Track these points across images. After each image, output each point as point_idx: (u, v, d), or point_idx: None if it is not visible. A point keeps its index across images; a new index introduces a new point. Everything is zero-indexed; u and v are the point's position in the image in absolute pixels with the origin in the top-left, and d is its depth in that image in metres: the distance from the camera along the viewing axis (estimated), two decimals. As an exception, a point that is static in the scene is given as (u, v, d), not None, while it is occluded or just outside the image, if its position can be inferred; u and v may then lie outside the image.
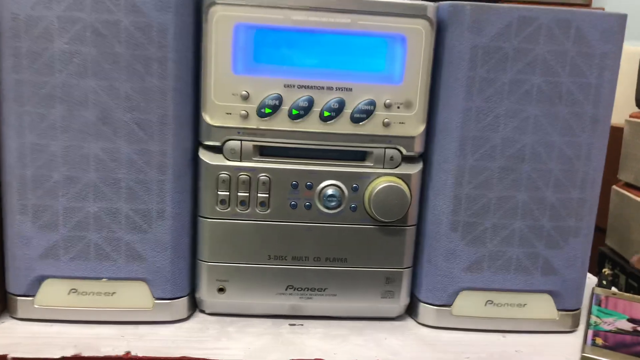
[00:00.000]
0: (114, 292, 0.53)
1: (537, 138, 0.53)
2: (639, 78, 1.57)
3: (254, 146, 0.53)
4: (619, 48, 0.53)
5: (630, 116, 1.61)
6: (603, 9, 1.80)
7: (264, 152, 0.53)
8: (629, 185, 1.64)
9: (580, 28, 0.51)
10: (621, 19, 0.52)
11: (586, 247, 0.56)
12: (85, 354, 0.48)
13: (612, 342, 0.54)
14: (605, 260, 1.60)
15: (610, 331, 0.56)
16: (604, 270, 1.66)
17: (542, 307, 0.57)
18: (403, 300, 0.57)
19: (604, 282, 0.75)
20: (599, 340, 0.54)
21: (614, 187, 1.70)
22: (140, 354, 0.49)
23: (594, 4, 1.89)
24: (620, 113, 1.92)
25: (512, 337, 0.57)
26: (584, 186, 0.54)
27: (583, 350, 0.52)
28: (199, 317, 0.57)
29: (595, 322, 0.57)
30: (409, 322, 0.58)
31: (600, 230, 1.87)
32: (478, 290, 0.56)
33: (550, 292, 0.56)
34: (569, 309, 0.57)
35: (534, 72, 0.52)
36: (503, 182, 0.54)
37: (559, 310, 0.57)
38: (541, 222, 0.55)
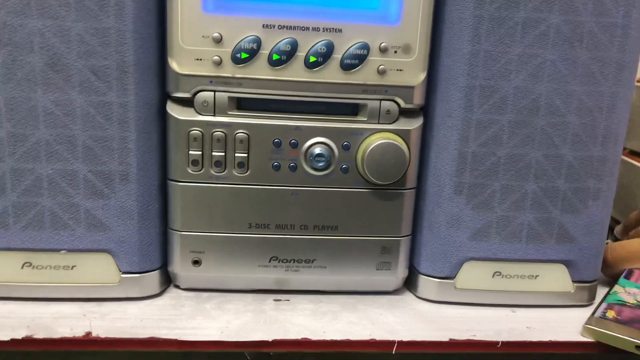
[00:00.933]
0: (74, 266, 0.47)
1: (554, 87, 0.46)
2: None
3: (230, 98, 0.46)
4: (649, -18, 0.46)
5: (638, 81, 1.54)
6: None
7: (241, 104, 0.46)
8: (634, 154, 1.58)
9: (606, -43, 0.44)
10: (653, -53, 0.45)
11: (607, 211, 0.50)
12: (39, 335, 0.42)
13: (627, 316, 0.48)
14: (609, 231, 1.55)
15: (628, 304, 0.50)
16: (607, 241, 1.61)
17: (556, 278, 0.51)
18: (401, 272, 0.51)
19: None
20: (611, 313, 0.48)
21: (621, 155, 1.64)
22: (102, 335, 0.43)
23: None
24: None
25: (523, 312, 0.51)
26: (605, 142, 0.48)
27: (587, 321, 0.47)
28: (173, 292, 0.51)
29: (616, 291, 0.51)
30: (408, 297, 0.52)
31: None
32: (485, 260, 0.50)
33: (565, 262, 0.50)
34: (585, 281, 0.51)
35: (551, 9, 0.45)
36: (514, 138, 0.47)
37: (574, 282, 0.51)
38: (557, 184, 0.48)
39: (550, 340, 0.46)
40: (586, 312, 0.51)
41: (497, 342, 0.45)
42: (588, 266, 0.51)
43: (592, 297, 0.52)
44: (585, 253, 0.50)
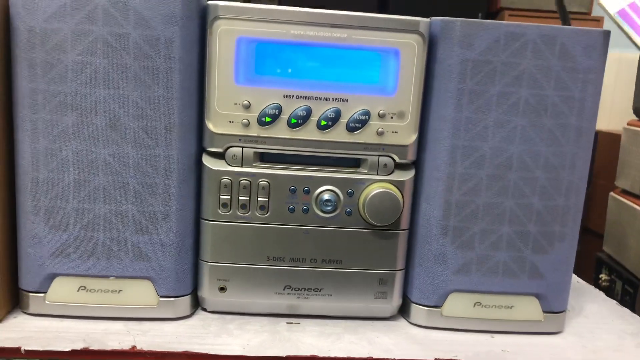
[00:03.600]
0: (120, 290, 0.56)
1: (524, 148, 0.56)
2: (636, 86, 1.59)
3: (255, 153, 0.55)
4: (602, 63, 0.55)
5: (628, 124, 1.63)
6: (602, 18, 1.82)
7: (264, 158, 0.56)
8: (626, 192, 1.66)
9: (564, 44, 0.54)
10: (604, 35, 0.55)
11: (571, 251, 0.59)
12: (94, 347, 0.51)
13: None
14: (602, 266, 1.62)
15: None
16: (600, 275, 1.69)
17: (529, 308, 0.59)
18: (396, 301, 0.60)
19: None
20: None
21: (612, 193, 1.73)
22: (145, 349, 0.52)
23: (594, 13, 1.92)
24: (620, 120, 1.95)
25: (500, 337, 0.59)
26: (568, 194, 0.57)
27: None
28: (201, 314, 0.59)
29: None
30: (402, 322, 0.61)
31: (597, 236, 1.89)
32: (467, 292, 0.58)
33: (536, 295, 0.59)
34: (554, 311, 0.60)
35: (520, 85, 0.54)
36: (491, 189, 0.56)
37: (544, 312, 0.59)
38: (527, 228, 0.57)
39: (520, 361, 0.54)
40: (556, 339, 0.60)
41: (476, 362, 0.54)
42: (556, 298, 0.59)
43: (560, 326, 0.61)
44: (553, 287, 0.59)
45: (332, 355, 0.53)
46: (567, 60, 0.54)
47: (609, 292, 1.58)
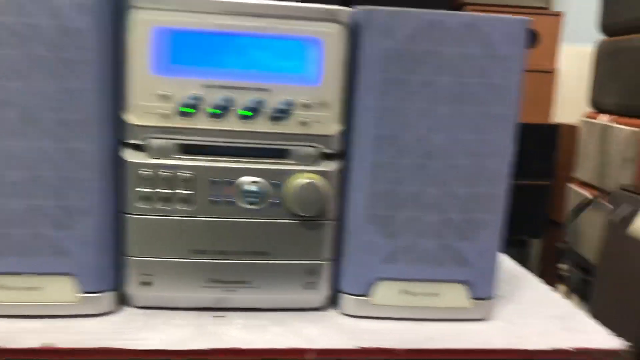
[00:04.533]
0: (38, 287, 0.54)
1: (447, 136, 0.56)
2: (593, 79, 1.62)
3: (176, 144, 0.54)
4: (522, 51, 0.56)
5: (586, 116, 1.66)
6: (561, 12, 1.85)
7: (185, 150, 0.55)
8: (584, 184, 1.70)
9: (485, 32, 0.54)
10: (523, 23, 0.55)
11: (496, 238, 0.59)
12: (6, 346, 0.50)
13: None
14: (562, 255, 1.65)
15: None
16: (560, 265, 1.72)
17: (455, 296, 0.60)
18: (324, 291, 0.60)
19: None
20: None
21: (571, 185, 1.76)
22: (62, 346, 0.51)
23: (555, 7, 1.94)
24: (580, 114, 1.98)
25: (428, 325, 0.59)
26: (492, 181, 0.57)
27: None
28: (127, 310, 0.58)
29: None
30: (332, 313, 0.61)
31: (557, 225, 1.92)
32: (394, 280, 0.59)
33: (462, 282, 0.59)
34: (481, 297, 0.60)
35: (443, 73, 0.55)
36: (416, 178, 0.56)
37: (471, 298, 0.60)
38: (452, 216, 0.57)
39: (445, 348, 0.55)
40: (482, 326, 0.60)
41: (402, 350, 0.54)
42: (482, 285, 0.60)
43: (487, 312, 0.61)
44: (479, 274, 0.59)
45: (255, 347, 0.53)
46: (487, 48, 0.55)
47: (568, 281, 1.61)
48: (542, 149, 1.85)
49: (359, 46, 0.55)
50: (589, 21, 1.66)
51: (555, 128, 1.86)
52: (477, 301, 0.60)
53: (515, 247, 1.91)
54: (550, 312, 0.65)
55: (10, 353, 0.49)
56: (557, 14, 1.84)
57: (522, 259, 1.94)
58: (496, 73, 0.55)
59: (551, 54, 1.85)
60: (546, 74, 1.83)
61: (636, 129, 1.29)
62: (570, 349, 0.56)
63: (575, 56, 2.11)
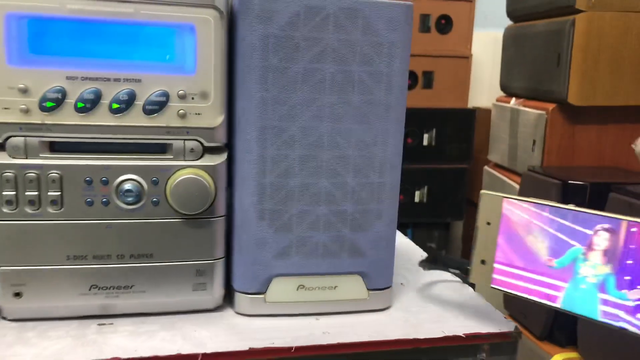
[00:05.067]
0: None
1: (334, 126, 0.54)
2: (502, 64, 1.67)
3: (41, 142, 0.50)
4: (407, 37, 0.55)
5: (497, 100, 1.71)
6: (473, -2, 1.89)
7: (54, 147, 0.51)
8: (497, 166, 1.75)
9: (367, 17, 0.53)
10: (407, 8, 0.54)
11: (390, 227, 0.58)
12: None
13: None
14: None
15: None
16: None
17: (353, 288, 0.59)
18: (217, 291, 0.57)
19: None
20: None
21: (486, 167, 1.81)
22: None
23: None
24: (490, 97, 2.04)
25: (325, 319, 0.58)
26: (382, 170, 0.57)
27: None
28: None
29: None
30: (227, 313, 0.58)
31: (476, 207, 1.98)
32: (289, 275, 0.57)
33: (359, 273, 0.58)
34: (378, 288, 0.60)
35: (325, 60, 0.53)
36: (304, 169, 0.55)
37: (369, 289, 0.59)
38: (344, 207, 0.56)
39: (338, 343, 0.54)
40: (381, 316, 0.60)
41: (291, 348, 0.52)
42: (380, 275, 0.59)
43: (386, 302, 0.61)
44: (375, 265, 0.59)
45: (138, 355, 0.50)
46: (370, 35, 0.53)
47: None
48: (459, 133, 1.89)
49: (236, 33, 0.52)
50: (501, 7, 1.71)
51: (472, 112, 1.91)
52: (375, 292, 0.59)
53: (439, 230, 1.95)
54: (447, 298, 0.65)
55: None
56: (470, 0, 1.89)
57: (447, 241, 1.99)
58: (381, 60, 0.54)
59: (466, 40, 1.89)
60: (462, 59, 1.87)
61: (541, 112, 1.34)
62: (462, 335, 0.56)
63: (494, 42, 2.17)
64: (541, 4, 1.38)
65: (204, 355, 0.50)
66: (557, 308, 0.51)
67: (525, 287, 0.53)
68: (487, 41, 2.19)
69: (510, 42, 1.55)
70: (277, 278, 0.57)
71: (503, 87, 1.66)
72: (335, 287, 0.58)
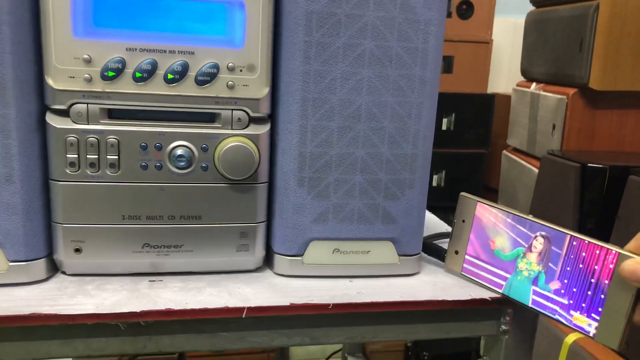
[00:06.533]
0: (-37, 257, 0.53)
1: (371, 99, 0.58)
2: (523, 49, 1.69)
3: (101, 109, 0.54)
4: (442, 15, 0.58)
5: (517, 85, 1.73)
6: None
7: (111, 114, 0.55)
8: (516, 150, 1.78)
9: (405, -4, 0.56)
10: (443, -12, 0.57)
11: (421, 197, 0.62)
12: None
13: None
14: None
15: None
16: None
17: (385, 253, 0.62)
18: (258, 252, 0.61)
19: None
20: None
21: (504, 152, 1.84)
22: (-9, 314, 0.50)
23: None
24: (509, 83, 2.05)
25: (359, 281, 0.62)
26: (415, 142, 0.60)
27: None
28: (59, 277, 0.58)
29: None
30: (266, 273, 0.63)
31: (493, 191, 2.00)
32: (325, 239, 0.61)
33: (391, 239, 0.62)
34: (409, 254, 0.63)
35: (365, 37, 0.56)
36: (342, 140, 0.58)
37: (400, 255, 0.63)
38: (379, 176, 0.60)
39: (373, 302, 0.58)
40: (410, 280, 0.63)
41: (329, 305, 0.56)
42: (410, 242, 0.63)
43: (415, 268, 0.64)
44: (406, 231, 0.62)
45: (189, 307, 0.54)
46: (408, 12, 0.56)
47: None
48: (478, 118, 1.91)
49: (282, 9, 0.55)
50: (522, -7, 1.72)
51: (491, 98, 1.93)
52: (405, 257, 0.63)
53: (456, 214, 1.98)
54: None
55: None
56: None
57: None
58: (417, 37, 0.57)
59: (486, 26, 1.90)
60: (482, 44, 1.89)
61: (562, 97, 1.36)
62: (488, 298, 0.60)
63: (514, 28, 2.17)
64: (564, -11, 1.39)
65: (249, 308, 0.55)
66: (501, 293, 0.59)
67: (484, 276, 0.61)
68: (507, 27, 2.20)
69: (532, 27, 1.57)
70: (314, 242, 0.61)
71: (524, 72, 1.67)
72: (368, 251, 0.62)
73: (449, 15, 1.85)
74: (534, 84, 1.56)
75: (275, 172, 0.60)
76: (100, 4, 0.52)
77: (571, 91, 1.35)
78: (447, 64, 1.92)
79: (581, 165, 1.18)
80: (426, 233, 0.78)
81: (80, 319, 0.52)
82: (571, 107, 1.36)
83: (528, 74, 1.62)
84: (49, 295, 0.54)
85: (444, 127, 1.93)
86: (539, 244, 0.56)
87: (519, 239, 0.58)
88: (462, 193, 0.63)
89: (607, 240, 0.52)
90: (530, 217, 0.57)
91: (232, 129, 0.57)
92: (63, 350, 0.53)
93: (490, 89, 2.04)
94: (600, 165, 1.16)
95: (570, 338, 1.17)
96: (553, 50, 1.43)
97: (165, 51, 0.54)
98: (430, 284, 0.63)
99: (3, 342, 0.52)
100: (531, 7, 1.62)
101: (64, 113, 0.54)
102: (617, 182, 1.14)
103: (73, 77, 0.53)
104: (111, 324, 0.53)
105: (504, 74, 2.27)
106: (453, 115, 1.92)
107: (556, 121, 1.40)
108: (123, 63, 0.53)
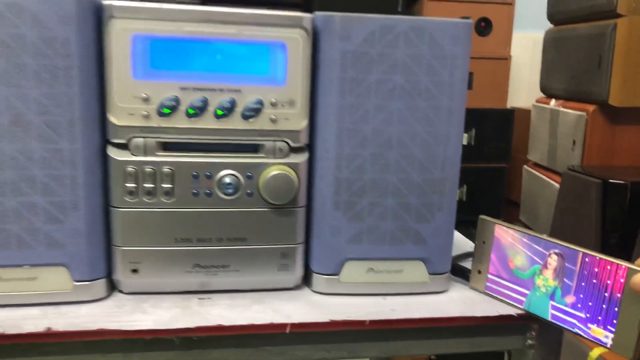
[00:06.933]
0: (35, 277, 0.59)
1: (402, 128, 0.62)
2: (542, 66, 1.72)
3: (157, 142, 0.60)
4: (467, 50, 0.62)
5: (536, 101, 1.76)
6: (514, 0, 1.94)
7: (166, 147, 0.60)
8: (536, 165, 1.80)
9: (432, 34, 0.61)
10: (467, 25, 0.62)
11: (450, 218, 0.66)
12: (9, 332, 0.55)
13: None
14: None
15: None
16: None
17: (416, 272, 0.67)
18: (298, 271, 0.66)
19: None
20: None
21: (525, 166, 1.86)
22: (60, 330, 0.56)
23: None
24: (529, 97, 2.08)
25: (392, 299, 0.66)
26: (444, 167, 0.64)
27: None
28: (117, 296, 0.64)
29: None
30: (305, 291, 0.67)
31: (515, 205, 2.03)
32: (360, 259, 0.65)
33: (421, 259, 0.66)
34: (438, 272, 0.67)
35: (395, 72, 0.61)
36: (375, 166, 0.63)
37: (430, 274, 0.67)
38: (409, 200, 0.64)
39: (406, 318, 0.62)
40: (441, 297, 0.67)
41: (365, 321, 0.61)
42: (439, 261, 0.67)
43: (445, 286, 0.68)
44: (436, 252, 0.66)
45: (238, 323, 0.59)
46: (435, 49, 0.61)
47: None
48: (498, 133, 1.95)
49: (319, 49, 0.61)
50: (540, 9, 1.75)
51: (511, 112, 1.96)
52: (435, 276, 0.67)
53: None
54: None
55: (13, 338, 0.54)
56: (510, 3, 1.94)
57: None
58: (444, 71, 0.62)
59: (505, 42, 1.94)
60: (501, 60, 1.92)
61: (582, 113, 1.39)
62: (515, 315, 0.63)
63: (533, 43, 2.21)
64: (582, 7, 1.43)
65: (292, 324, 0.59)
66: (522, 309, 0.62)
67: (506, 293, 0.64)
68: (526, 42, 2.23)
69: (551, 44, 1.60)
70: (350, 261, 0.65)
71: (543, 89, 1.71)
72: (401, 270, 0.66)
73: (468, 33, 1.89)
74: (553, 101, 1.59)
75: (313, 197, 0.65)
76: (156, 48, 0.58)
77: (591, 107, 1.38)
78: (467, 81, 1.96)
79: (602, 182, 1.21)
80: (453, 252, 0.82)
81: (140, 334, 0.57)
82: (591, 124, 1.39)
83: (547, 91, 1.65)
84: (110, 312, 0.60)
85: (464, 142, 1.96)
86: (553, 261, 0.60)
87: (535, 257, 0.61)
88: (481, 216, 0.66)
89: (629, 255, 0.55)
90: (544, 236, 0.61)
91: (274, 158, 0.62)
92: (123, 363, 0.59)
93: (510, 103, 2.07)
94: (622, 182, 1.19)
95: (595, 352, 1.19)
96: (572, 67, 1.47)
97: (215, 89, 0.59)
98: (459, 301, 0.66)
99: (70, 354, 0.57)
100: (549, 23, 1.65)
101: (124, 146, 0.60)
102: (639, 198, 1.17)
103: (132, 114, 0.58)
104: (167, 338, 0.58)
105: (524, 88, 2.30)
106: (473, 130, 1.95)
107: (576, 137, 1.43)
108: (177, 101, 0.58)
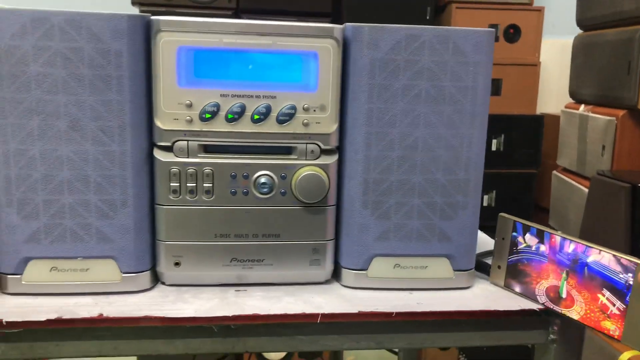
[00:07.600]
0: (87, 269, 0.65)
1: (427, 131, 0.66)
2: (571, 71, 1.72)
3: (199, 145, 0.65)
4: (489, 57, 0.66)
5: (565, 107, 1.77)
6: (543, 7, 1.95)
7: (207, 149, 0.65)
8: (566, 170, 1.80)
9: (456, 42, 0.64)
10: (489, 34, 0.65)
11: (474, 217, 0.69)
12: (66, 317, 0.60)
13: None
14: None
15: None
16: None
17: (441, 268, 0.70)
18: (328, 266, 0.70)
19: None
20: None
21: (555, 172, 1.87)
22: (110, 316, 0.61)
23: (536, 2, 2.04)
24: (558, 103, 2.08)
25: (418, 293, 0.70)
26: (467, 168, 0.68)
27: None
28: (160, 287, 0.69)
29: None
30: (334, 285, 0.71)
31: (544, 211, 2.03)
32: (387, 256, 0.69)
33: (446, 256, 0.70)
34: (463, 269, 0.70)
35: (421, 78, 0.65)
36: (401, 167, 0.66)
37: (454, 270, 0.70)
38: (435, 199, 0.68)
39: (432, 311, 0.65)
40: (465, 293, 0.70)
41: (392, 313, 0.64)
42: (464, 258, 0.70)
43: (469, 282, 0.71)
44: (461, 249, 0.70)
45: (272, 312, 0.63)
46: (459, 56, 0.65)
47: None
48: (528, 139, 1.95)
49: (349, 57, 0.65)
50: (569, 15, 1.76)
51: (540, 119, 1.97)
52: (459, 272, 0.70)
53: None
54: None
55: (69, 323, 0.60)
56: (539, 9, 1.94)
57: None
58: (468, 77, 0.65)
59: (534, 48, 1.95)
60: (530, 67, 1.93)
61: (611, 118, 1.39)
62: (537, 309, 0.66)
63: (562, 49, 2.21)
64: (611, 13, 1.44)
65: (323, 315, 0.63)
66: (540, 303, 0.65)
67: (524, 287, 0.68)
68: (555, 48, 2.23)
69: (580, 50, 1.61)
70: (377, 258, 0.69)
71: (572, 94, 1.71)
72: (426, 267, 0.70)
73: (496, 39, 1.91)
74: (582, 106, 1.59)
75: (342, 196, 0.69)
76: (199, 59, 0.63)
77: (620, 112, 1.38)
78: (496, 87, 1.97)
79: (632, 186, 1.22)
80: (477, 250, 0.85)
81: (182, 321, 0.61)
82: (620, 128, 1.39)
83: (576, 96, 1.66)
84: (155, 302, 0.65)
85: (493, 148, 1.97)
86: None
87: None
88: (501, 214, 0.69)
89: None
90: (559, 233, 0.63)
91: (306, 159, 0.66)
92: (167, 348, 0.63)
93: (540, 109, 2.07)
94: (650, 186, 1.19)
95: (626, 356, 1.19)
96: (601, 73, 1.47)
97: (252, 96, 0.64)
98: (483, 296, 0.69)
99: (120, 339, 0.62)
100: (578, 29, 1.66)
101: (168, 149, 0.65)
102: (668, 202, 1.17)
103: (177, 119, 0.63)
104: (206, 326, 0.63)
105: (553, 93, 2.30)
106: (502, 136, 1.96)
107: (606, 142, 1.44)
108: (218, 107, 0.63)
